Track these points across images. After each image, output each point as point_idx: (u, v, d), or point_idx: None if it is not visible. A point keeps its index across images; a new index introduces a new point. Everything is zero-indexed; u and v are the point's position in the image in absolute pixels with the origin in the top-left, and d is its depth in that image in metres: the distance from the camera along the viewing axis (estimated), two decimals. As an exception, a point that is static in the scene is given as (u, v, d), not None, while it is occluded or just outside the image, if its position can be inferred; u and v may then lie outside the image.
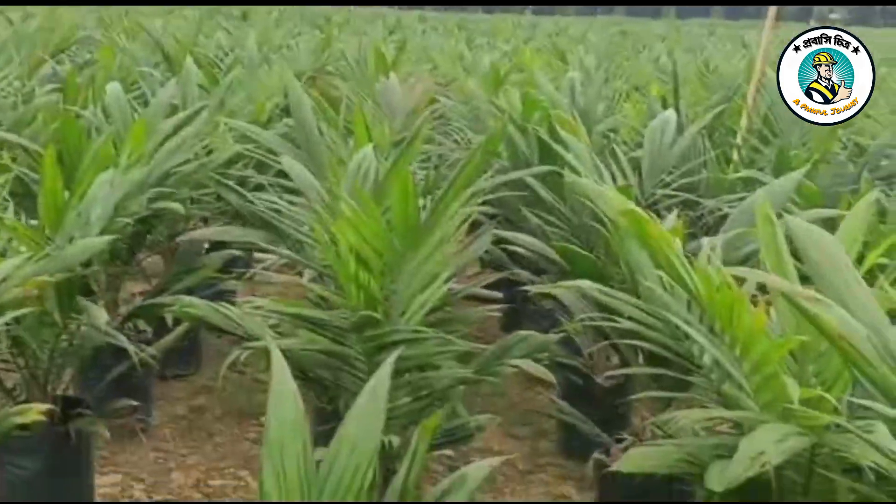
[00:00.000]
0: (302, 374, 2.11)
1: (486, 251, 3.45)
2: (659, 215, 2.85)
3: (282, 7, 16.55)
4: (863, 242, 2.02)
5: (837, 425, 1.56)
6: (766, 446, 1.48)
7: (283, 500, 1.45)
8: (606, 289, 2.02)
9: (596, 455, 2.68)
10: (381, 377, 1.51)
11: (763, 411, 1.76)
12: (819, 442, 1.62)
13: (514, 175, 3.26)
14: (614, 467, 1.70)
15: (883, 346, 1.15)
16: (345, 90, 5.10)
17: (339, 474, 1.44)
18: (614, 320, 2.03)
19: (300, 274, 2.55)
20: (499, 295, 2.81)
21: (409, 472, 1.43)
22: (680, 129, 3.85)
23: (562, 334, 2.47)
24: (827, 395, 1.60)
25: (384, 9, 18.66)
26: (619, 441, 2.72)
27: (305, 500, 1.44)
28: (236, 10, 16.04)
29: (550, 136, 3.18)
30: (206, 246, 3.62)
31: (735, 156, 4.23)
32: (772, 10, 4.64)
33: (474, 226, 3.93)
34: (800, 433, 1.55)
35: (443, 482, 1.47)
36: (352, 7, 19.65)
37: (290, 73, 3.97)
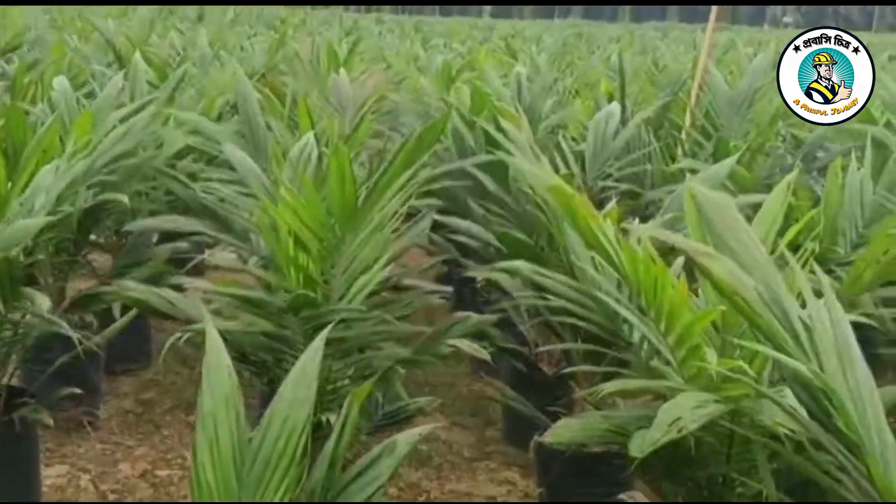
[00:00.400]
0: (243, 356, 2.15)
1: (436, 244, 3.52)
2: (602, 205, 2.93)
3: (238, 9, 16.54)
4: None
5: (759, 393, 1.63)
6: (683, 412, 1.54)
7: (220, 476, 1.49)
8: (540, 269, 2.08)
9: (536, 438, 2.73)
10: (314, 349, 1.55)
11: (688, 383, 1.83)
12: (737, 409, 1.69)
13: (457, 165, 3.31)
14: (543, 439, 1.75)
15: (772, 300, 1.22)
16: (296, 87, 5.16)
17: (272, 443, 1.48)
18: (548, 300, 2.08)
19: (245, 261, 2.58)
20: (447, 288, 2.86)
21: (339, 439, 1.47)
22: (625, 123, 3.94)
23: (499, 314, 2.52)
24: (745, 365, 1.67)
25: (340, 11, 18.73)
26: (561, 424, 2.79)
27: (239, 472, 1.48)
28: (192, 11, 16.00)
29: (493, 126, 3.23)
30: (155, 240, 3.63)
31: (679, 149, 4.33)
32: (714, 9, 4.74)
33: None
34: (717, 401, 1.61)
35: (373, 450, 1.52)
36: (308, 8, 19.66)
37: (240, 69, 3.99)
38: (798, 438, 1.57)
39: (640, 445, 1.60)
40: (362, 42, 10.40)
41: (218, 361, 1.52)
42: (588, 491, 2.49)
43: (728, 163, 2.70)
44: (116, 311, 3.02)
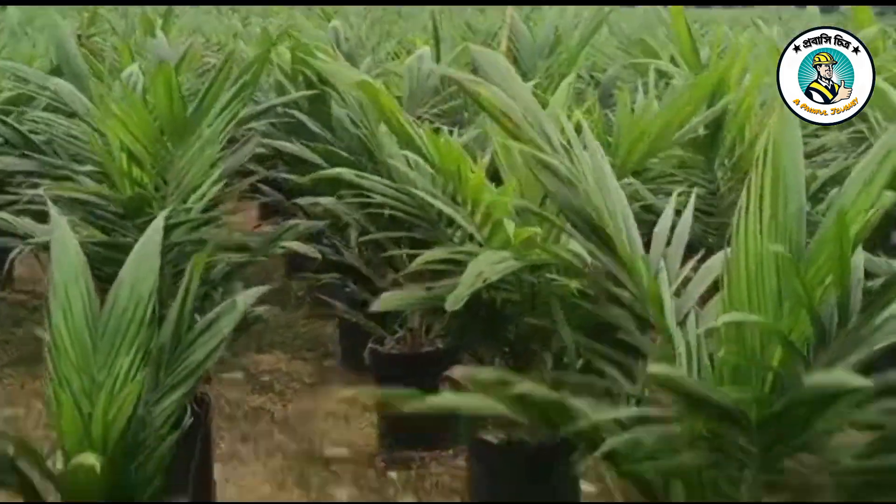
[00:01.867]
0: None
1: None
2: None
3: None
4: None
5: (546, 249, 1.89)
6: (485, 267, 1.78)
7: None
8: (361, 173, 2.29)
9: (371, 344, 2.96)
10: (153, 229, 1.71)
11: (495, 255, 2.08)
12: (536, 266, 1.96)
13: (278, 100, 3.47)
14: (373, 307, 1.96)
15: (538, 125, 1.46)
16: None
17: (122, 309, 1.63)
18: (367, 199, 2.30)
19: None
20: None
21: (184, 301, 1.64)
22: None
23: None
24: (538, 230, 1.94)
25: None
26: (394, 334, 3.04)
27: (93, 336, 1.62)
28: None
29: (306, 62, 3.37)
30: None
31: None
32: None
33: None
34: (515, 258, 1.87)
35: (214, 310, 1.69)
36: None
37: (58, 19, 3.99)
38: (587, 291, 1.87)
39: (454, 300, 1.84)
40: (182, 17, 10.34)
41: (64, 238, 1.65)
42: (416, 384, 2.73)
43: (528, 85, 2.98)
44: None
